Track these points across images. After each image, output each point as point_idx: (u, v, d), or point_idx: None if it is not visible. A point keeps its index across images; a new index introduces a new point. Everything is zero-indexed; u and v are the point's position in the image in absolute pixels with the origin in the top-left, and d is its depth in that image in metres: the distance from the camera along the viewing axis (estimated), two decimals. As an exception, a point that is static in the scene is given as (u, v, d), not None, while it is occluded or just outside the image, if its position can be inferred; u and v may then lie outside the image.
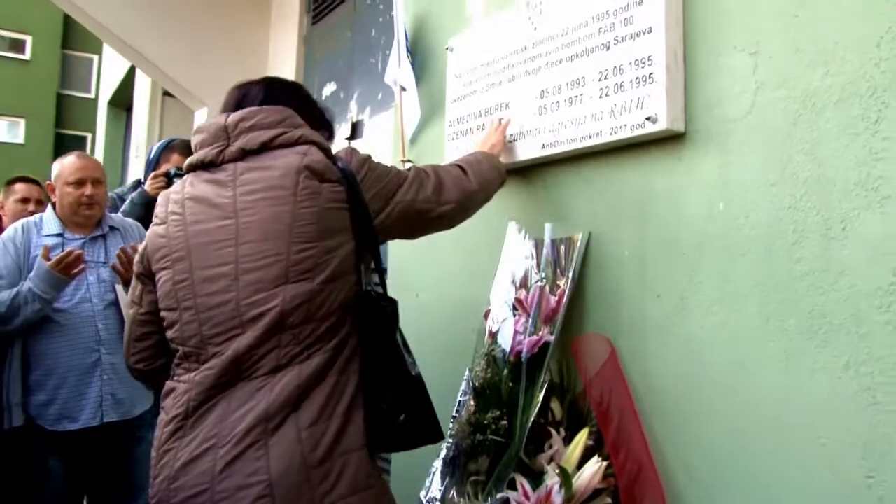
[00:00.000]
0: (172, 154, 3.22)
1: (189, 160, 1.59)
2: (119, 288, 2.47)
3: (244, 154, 1.50)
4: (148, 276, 1.59)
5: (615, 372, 1.70)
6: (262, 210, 1.44)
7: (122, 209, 3.01)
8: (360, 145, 4.10)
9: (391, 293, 2.78)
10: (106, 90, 9.87)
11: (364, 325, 1.49)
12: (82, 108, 17.45)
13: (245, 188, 1.47)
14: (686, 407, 1.54)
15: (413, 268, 2.66)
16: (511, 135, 2.02)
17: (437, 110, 2.52)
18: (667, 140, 1.62)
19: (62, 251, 2.39)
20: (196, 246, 1.49)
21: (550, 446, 1.73)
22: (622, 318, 1.71)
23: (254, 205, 1.45)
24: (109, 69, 9.59)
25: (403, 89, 2.70)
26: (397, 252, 2.82)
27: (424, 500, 1.88)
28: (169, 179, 3.01)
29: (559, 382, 1.83)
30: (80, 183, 2.53)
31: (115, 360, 2.46)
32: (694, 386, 1.53)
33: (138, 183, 3.30)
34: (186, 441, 1.41)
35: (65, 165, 2.55)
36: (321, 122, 1.68)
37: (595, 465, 1.60)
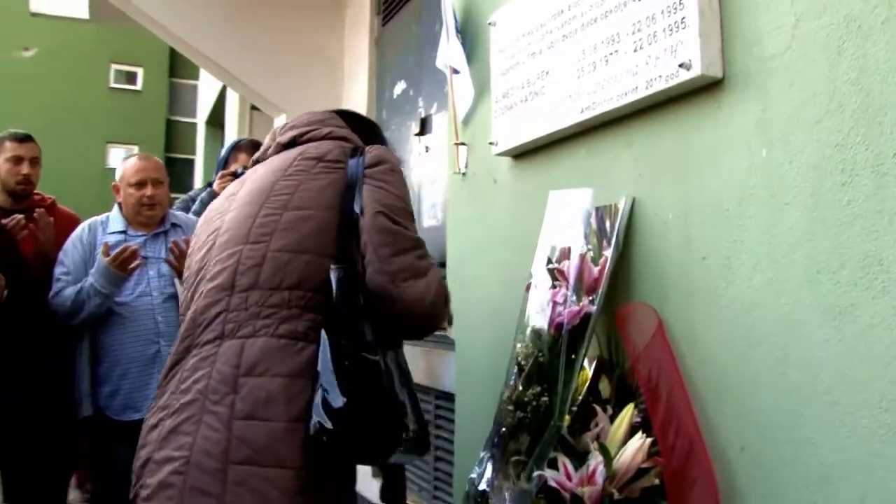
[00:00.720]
0: (240, 154, 3.34)
1: (252, 159, 1.70)
2: (178, 282, 2.57)
3: (280, 148, 1.57)
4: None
5: (663, 346, 1.60)
6: (253, 183, 1.50)
7: (192, 209, 3.15)
8: (430, 140, 4.12)
9: (451, 281, 2.79)
10: (203, 112, 10.43)
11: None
12: (189, 132, 18.53)
13: (254, 173, 1.55)
14: (736, 375, 1.43)
15: (470, 251, 2.63)
16: (553, 103, 1.97)
17: (485, 88, 2.48)
18: (704, 89, 1.52)
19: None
20: (204, 221, 1.59)
21: (597, 424, 1.65)
22: (668, 284, 1.61)
23: (251, 182, 1.52)
24: (205, 91, 10.13)
25: (456, 72, 2.68)
26: (456, 240, 2.80)
27: (475, 485, 1.84)
28: (236, 179, 3.13)
29: (608, 358, 1.75)
30: (140, 184, 2.64)
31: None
32: (743, 351, 1.41)
33: (210, 184, 3.44)
34: (154, 411, 1.40)
35: (127, 168, 2.68)
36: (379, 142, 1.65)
37: (637, 442, 1.51)
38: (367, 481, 4.24)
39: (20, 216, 2.74)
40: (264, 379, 1.27)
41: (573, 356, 1.60)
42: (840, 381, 1.23)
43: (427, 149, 4.22)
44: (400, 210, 1.44)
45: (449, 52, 2.64)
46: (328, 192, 1.42)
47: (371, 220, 1.39)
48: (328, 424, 1.22)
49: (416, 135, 4.32)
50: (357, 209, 1.39)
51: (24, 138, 2.96)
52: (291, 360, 1.28)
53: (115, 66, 21.00)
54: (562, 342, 1.62)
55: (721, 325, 1.47)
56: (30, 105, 18.09)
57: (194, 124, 13.67)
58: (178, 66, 20.16)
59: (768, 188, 1.38)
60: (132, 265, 2.42)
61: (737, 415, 1.43)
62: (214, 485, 1.22)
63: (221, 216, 1.50)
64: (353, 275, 1.34)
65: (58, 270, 2.55)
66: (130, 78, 21.37)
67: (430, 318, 1.43)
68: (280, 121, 5.53)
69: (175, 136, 21.08)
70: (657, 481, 1.50)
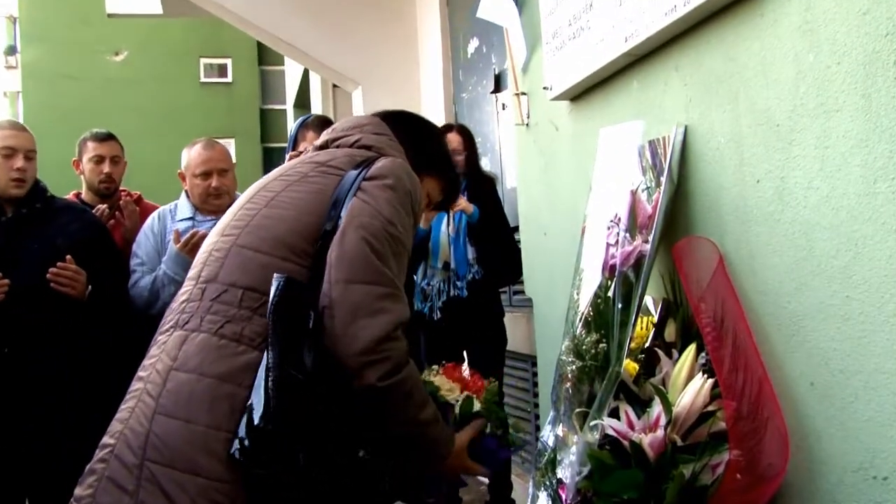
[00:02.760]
0: (308, 132, 3.40)
1: None
2: None
3: (315, 150, 1.51)
4: None
5: (724, 281, 1.57)
6: (260, 185, 1.46)
7: None
8: (504, 96, 4.11)
9: (523, 236, 2.81)
10: (291, 96, 10.80)
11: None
12: (282, 120, 19.20)
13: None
14: (799, 304, 1.39)
15: (540, 206, 2.64)
16: (599, 36, 1.94)
17: (538, 33, 2.47)
18: (745, -5, 1.47)
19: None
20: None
21: (661, 370, 1.64)
22: (725, 214, 1.58)
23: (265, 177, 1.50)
24: (292, 75, 10.48)
25: (508, 26, 2.69)
26: (526, 192, 2.82)
27: (545, 444, 1.88)
28: None
29: (672, 299, 1.73)
30: (206, 175, 2.72)
31: None
32: (805, 277, 1.37)
33: (280, 166, 3.58)
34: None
35: (192, 157, 2.78)
36: (431, 162, 1.54)
37: (697, 384, 1.49)
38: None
39: (104, 206, 2.96)
40: (193, 376, 1.22)
41: (628, 299, 1.59)
42: (907, 300, 1.17)
43: (504, 106, 4.22)
44: (377, 232, 1.27)
45: (495, 3, 2.63)
46: (314, 198, 1.34)
47: (340, 235, 1.27)
48: (246, 442, 1.16)
49: (492, 92, 4.34)
50: (339, 223, 1.29)
51: (105, 137, 3.16)
52: (224, 362, 1.22)
53: (204, 60, 22.00)
54: (615, 285, 1.61)
55: (780, 251, 1.43)
56: (123, 108, 19.23)
57: (285, 111, 14.18)
58: (265, 54, 20.89)
59: (818, 96, 1.32)
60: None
61: (803, 347, 1.38)
62: (129, 480, 1.18)
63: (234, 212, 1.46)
64: (309, 294, 1.23)
65: (133, 262, 2.72)
66: (221, 70, 22.34)
67: (361, 370, 1.20)
68: (357, 94, 5.68)
69: (269, 125, 21.90)
70: (723, 425, 1.48)
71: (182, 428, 1.18)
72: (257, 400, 1.16)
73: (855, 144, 1.25)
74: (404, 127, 1.53)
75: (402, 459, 1.32)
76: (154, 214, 2.82)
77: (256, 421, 1.14)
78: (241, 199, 1.45)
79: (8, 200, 2.53)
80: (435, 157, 1.55)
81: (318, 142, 1.51)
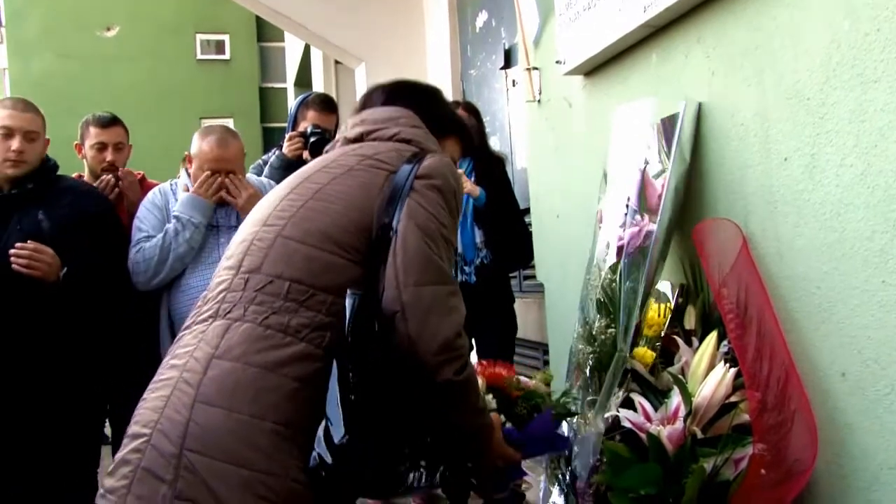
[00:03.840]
0: (308, 111, 3.36)
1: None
2: None
3: (346, 143, 1.52)
4: None
5: (749, 266, 1.53)
6: (302, 170, 1.48)
7: (264, 174, 3.25)
8: (515, 72, 4.06)
9: (534, 219, 2.77)
10: (291, 74, 10.74)
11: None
12: (282, 98, 19.14)
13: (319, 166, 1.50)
14: (830, 290, 1.35)
15: (552, 187, 2.61)
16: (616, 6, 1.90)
17: (550, 4, 2.42)
18: (774, -41, 1.42)
19: None
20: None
21: (680, 358, 1.61)
22: (749, 195, 1.54)
23: (304, 169, 1.49)
24: (292, 52, 10.43)
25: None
26: (537, 173, 2.78)
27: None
28: (306, 140, 3.14)
29: (691, 284, 1.70)
30: (216, 172, 2.61)
31: None
32: (836, 261, 1.33)
33: (279, 146, 3.53)
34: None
35: (203, 150, 2.68)
36: (445, 126, 1.57)
37: (719, 374, 1.46)
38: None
39: (109, 177, 2.93)
40: (237, 365, 1.24)
41: (636, 281, 1.56)
42: (947, 285, 1.14)
43: (514, 82, 4.17)
44: (434, 234, 1.33)
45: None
46: (362, 192, 1.36)
47: (401, 239, 1.30)
48: (328, 459, 1.20)
49: (502, 68, 4.28)
50: (394, 223, 1.32)
51: (108, 123, 3.08)
52: (270, 353, 1.25)
53: (200, 36, 21.87)
54: (623, 267, 1.58)
55: (810, 233, 1.39)
56: (116, 86, 19.12)
57: (286, 89, 14.10)
58: (265, 30, 20.78)
59: (853, 66, 1.28)
60: (216, 193, 2.50)
61: (835, 336, 1.35)
62: (167, 470, 1.20)
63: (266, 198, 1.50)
64: (371, 299, 1.28)
65: (137, 235, 2.68)
66: (218, 47, 22.22)
67: (440, 367, 1.26)
68: (361, 71, 5.63)
69: (269, 104, 21.83)
70: (747, 417, 1.45)
71: (224, 417, 1.20)
72: (334, 415, 1.19)
73: (893, 118, 1.21)
74: (415, 99, 1.55)
75: (461, 453, 1.38)
76: (155, 189, 2.78)
77: (337, 439, 1.18)
78: (283, 188, 1.45)
79: (5, 180, 2.52)
80: (446, 119, 1.59)
81: (351, 134, 1.52)
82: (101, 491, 1.27)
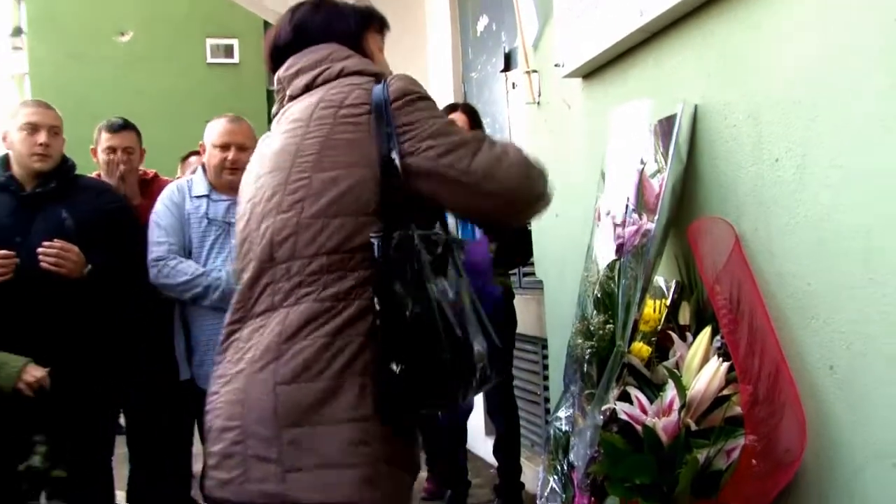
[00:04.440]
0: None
1: (272, 113, 1.67)
2: None
3: (293, 98, 1.53)
4: None
5: (741, 263, 1.54)
6: (278, 143, 1.47)
7: None
8: (516, 76, 4.06)
9: (534, 220, 2.77)
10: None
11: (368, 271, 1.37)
12: (289, 101, 19.10)
13: (280, 127, 1.51)
14: (820, 286, 1.36)
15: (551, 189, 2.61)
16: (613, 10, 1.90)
17: (549, 7, 2.43)
18: (766, -35, 1.42)
19: (206, 210, 2.66)
20: (242, 185, 1.59)
21: (675, 353, 1.62)
22: (741, 194, 1.55)
23: (276, 139, 1.49)
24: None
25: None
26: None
27: (557, 427, 1.87)
28: None
29: (686, 282, 1.70)
30: (224, 147, 2.69)
31: None
32: (826, 259, 1.34)
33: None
34: (215, 376, 1.48)
35: (214, 128, 2.73)
36: (358, 23, 1.59)
37: (712, 368, 1.47)
38: (480, 442, 4.36)
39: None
40: (306, 342, 1.34)
41: (634, 279, 1.57)
42: (932, 282, 1.14)
43: (514, 85, 4.17)
44: (441, 134, 1.39)
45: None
46: (357, 148, 1.39)
47: (419, 160, 1.37)
48: (391, 390, 1.32)
49: (502, 71, 4.29)
50: (396, 157, 1.37)
51: (118, 128, 3.11)
52: (331, 323, 1.34)
53: (210, 41, 21.89)
54: (620, 264, 1.59)
55: (800, 232, 1.40)
56: (130, 89, 19.16)
57: (292, 91, 14.11)
58: (272, 34, 20.79)
59: (841, 68, 1.28)
60: None
61: (824, 331, 1.36)
62: (271, 450, 1.32)
63: (256, 181, 1.50)
64: (400, 237, 1.34)
65: (156, 233, 2.68)
66: (228, 51, 22.24)
67: (538, 203, 1.50)
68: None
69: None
70: (739, 410, 1.46)
71: (307, 389, 1.32)
72: (387, 349, 1.32)
73: (879, 122, 1.21)
74: (322, 29, 1.55)
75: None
76: (172, 185, 2.81)
77: (397, 371, 1.30)
78: (274, 167, 1.45)
79: (31, 177, 2.55)
80: (352, 24, 1.58)
81: (298, 87, 1.50)
82: (212, 482, 1.40)
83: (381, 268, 1.33)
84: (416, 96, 1.41)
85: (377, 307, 1.33)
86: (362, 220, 1.36)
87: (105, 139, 3.07)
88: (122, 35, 20.11)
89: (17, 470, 2.32)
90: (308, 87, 1.49)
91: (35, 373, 2.30)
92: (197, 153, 3.85)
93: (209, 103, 21.16)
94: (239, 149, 2.69)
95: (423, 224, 1.40)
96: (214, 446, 1.40)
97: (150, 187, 3.18)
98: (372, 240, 1.34)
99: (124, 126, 3.12)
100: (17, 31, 23.12)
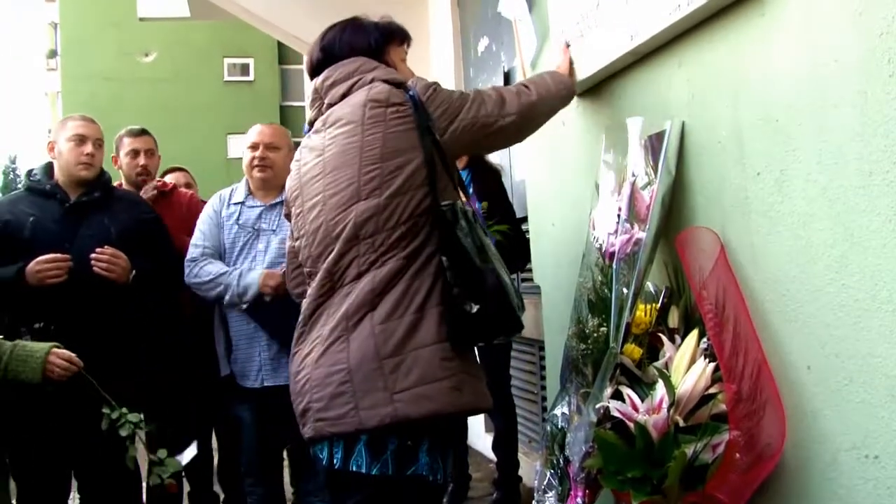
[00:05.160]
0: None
1: (308, 119, 1.88)
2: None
3: (331, 106, 1.73)
4: (288, 216, 1.89)
5: (726, 270, 1.56)
6: (339, 143, 1.67)
7: None
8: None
9: (531, 226, 2.81)
10: (309, 93, 10.75)
11: (437, 231, 1.62)
12: (301, 116, 19.21)
13: (329, 129, 1.71)
14: (798, 291, 1.38)
15: (548, 198, 2.64)
16: (606, 34, 1.93)
17: (546, 30, 2.46)
18: (746, -5, 1.46)
19: (238, 216, 2.73)
20: (304, 183, 1.77)
21: (664, 354, 1.64)
22: (727, 206, 1.57)
23: (333, 140, 1.68)
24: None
25: (518, 20, 2.67)
26: (535, 186, 2.81)
27: (553, 424, 1.89)
28: None
29: (675, 287, 1.73)
30: (254, 147, 2.76)
31: None
32: (804, 266, 1.36)
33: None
34: (304, 342, 1.70)
35: (250, 133, 2.82)
36: (381, 38, 1.81)
37: (699, 368, 1.49)
38: (480, 438, 4.37)
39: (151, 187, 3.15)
40: (393, 291, 1.57)
41: (626, 284, 1.59)
42: (900, 288, 1.17)
43: (513, 103, 4.20)
44: (460, 102, 1.71)
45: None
46: (409, 136, 1.63)
47: (459, 128, 1.69)
48: (467, 326, 1.57)
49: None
50: (438, 137, 1.66)
51: (139, 133, 3.24)
52: (410, 270, 1.58)
53: (227, 60, 22.09)
54: (613, 271, 1.61)
55: (780, 241, 1.42)
56: (153, 105, 19.41)
57: (304, 108, 14.19)
58: (285, 53, 20.91)
59: (816, 91, 1.31)
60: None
61: (802, 333, 1.38)
62: (377, 380, 1.53)
63: (320, 178, 1.70)
64: (456, 205, 1.62)
65: (196, 237, 2.77)
66: (244, 69, 22.41)
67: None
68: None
69: (289, 121, 21.92)
70: (724, 407, 1.48)
71: (398, 323, 1.55)
72: (460, 295, 1.56)
73: (851, 138, 1.24)
74: (353, 46, 1.78)
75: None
76: (217, 194, 2.88)
77: (473, 311, 1.55)
78: (336, 165, 1.65)
79: (74, 185, 2.62)
80: (377, 40, 1.80)
81: (336, 94, 1.72)
82: (322, 423, 1.60)
83: (450, 227, 1.58)
84: (434, 88, 1.69)
85: (445, 261, 1.58)
86: (423, 191, 1.61)
87: (128, 143, 3.16)
88: (146, 56, 20.27)
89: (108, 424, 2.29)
90: (345, 96, 1.69)
91: (61, 355, 2.23)
92: (176, 170, 3.86)
93: (226, 118, 21.37)
94: (267, 147, 2.75)
95: (450, 196, 1.67)
96: (319, 392, 1.60)
97: (169, 198, 3.23)
98: (444, 208, 1.60)
99: (143, 131, 3.23)
100: (52, 54, 23.32)
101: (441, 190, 1.65)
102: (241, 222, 2.74)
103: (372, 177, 1.61)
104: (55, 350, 2.23)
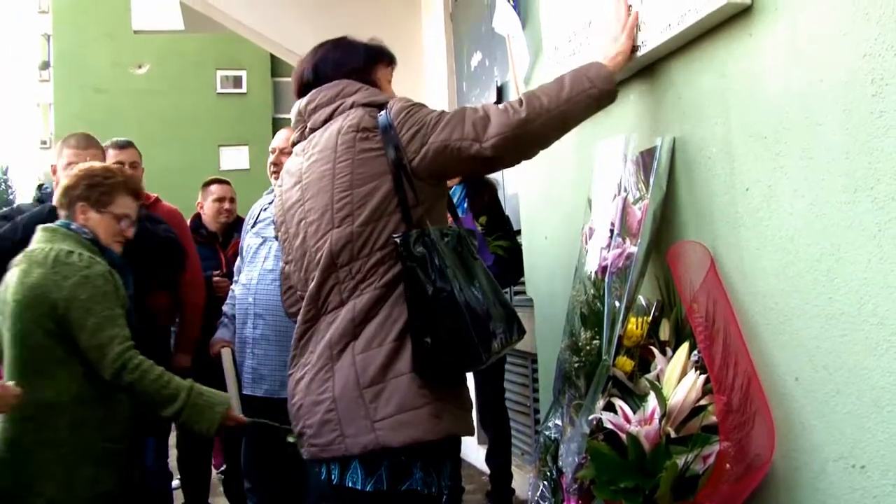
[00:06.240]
0: None
1: (291, 141, 1.88)
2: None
3: (314, 130, 1.74)
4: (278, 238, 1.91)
5: (716, 283, 1.59)
6: (314, 171, 1.68)
7: None
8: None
9: (524, 239, 2.84)
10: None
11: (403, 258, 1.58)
12: (294, 129, 19.21)
13: (308, 154, 1.72)
14: (786, 305, 1.41)
15: (541, 211, 2.67)
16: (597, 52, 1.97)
17: (539, 46, 2.50)
18: (734, 18, 1.50)
19: (254, 222, 2.89)
20: (286, 209, 1.79)
21: (655, 366, 1.67)
22: (716, 220, 1.60)
23: (310, 168, 1.70)
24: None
25: (512, 36, 2.72)
26: (527, 199, 2.84)
27: (546, 435, 1.90)
28: None
29: (666, 300, 1.75)
30: (271, 151, 2.90)
31: (266, 333, 2.70)
32: (791, 280, 1.40)
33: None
34: (297, 367, 1.72)
35: (274, 138, 2.97)
36: (368, 59, 1.80)
37: (690, 380, 1.52)
38: (473, 450, 4.38)
39: None
40: (372, 321, 1.58)
41: (618, 298, 1.62)
42: (885, 301, 1.20)
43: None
44: (433, 123, 1.61)
45: (502, 15, 2.67)
46: (378, 161, 1.61)
47: (429, 152, 1.60)
48: (425, 358, 1.55)
49: (495, 104, 4.36)
50: (406, 164, 1.60)
51: (125, 145, 3.25)
52: (389, 300, 1.58)
53: (220, 73, 22.11)
54: (605, 285, 1.64)
55: (769, 255, 1.45)
56: (146, 117, 19.41)
57: (296, 120, 14.22)
58: (278, 66, 20.95)
59: (803, 110, 1.34)
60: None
61: (790, 346, 1.41)
62: (359, 407, 1.56)
63: (300, 205, 1.71)
64: (418, 233, 1.57)
65: (242, 252, 2.98)
66: (236, 82, 22.43)
67: (510, 122, 1.63)
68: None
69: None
70: (714, 419, 1.50)
71: (377, 353, 1.56)
72: (417, 328, 1.55)
73: (837, 156, 1.27)
74: (339, 68, 1.76)
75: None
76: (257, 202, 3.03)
77: (428, 343, 1.53)
78: (314, 193, 1.65)
79: None
80: (363, 62, 1.79)
81: (318, 119, 1.71)
82: (315, 448, 1.63)
83: (405, 261, 1.55)
84: (408, 110, 1.63)
85: (406, 292, 1.56)
86: (396, 217, 1.59)
87: (113, 155, 3.18)
88: (140, 67, 20.27)
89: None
90: (327, 120, 1.70)
91: (235, 417, 2.21)
92: (217, 181, 3.93)
93: (219, 129, 21.39)
94: (282, 153, 2.83)
95: (437, 219, 1.65)
96: (310, 419, 1.63)
97: (154, 209, 3.25)
98: (394, 238, 1.57)
99: (128, 143, 3.26)
100: (45, 65, 23.29)
101: (422, 216, 1.61)
102: (255, 229, 2.83)
103: (343, 204, 1.61)
104: (231, 410, 2.20)
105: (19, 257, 2.10)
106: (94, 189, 2.21)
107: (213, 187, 3.91)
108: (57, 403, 2.00)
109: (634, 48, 1.74)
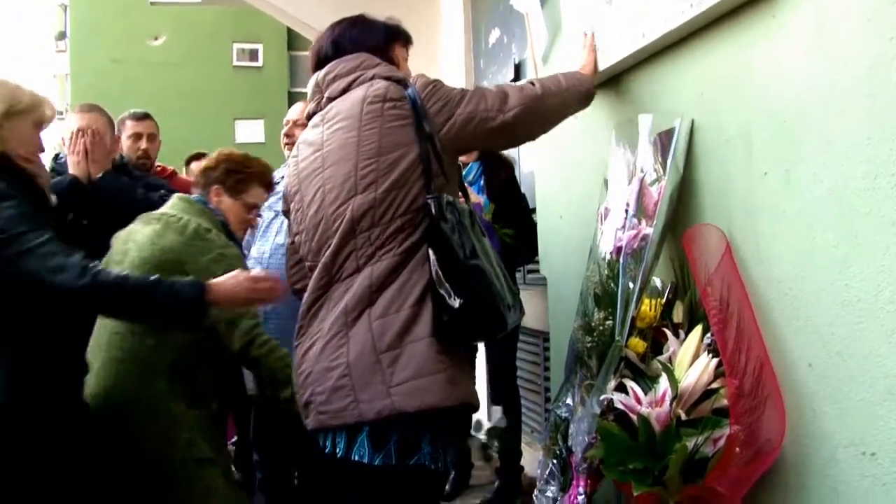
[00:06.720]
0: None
1: (306, 113, 1.90)
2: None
3: (331, 100, 1.75)
4: (287, 212, 1.91)
5: (731, 267, 1.59)
6: (337, 139, 1.69)
7: None
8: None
9: (539, 218, 2.84)
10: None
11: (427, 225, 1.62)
12: (309, 103, 19.18)
13: (328, 124, 1.73)
14: (801, 290, 1.41)
15: (556, 191, 2.66)
16: (616, 32, 1.95)
17: (557, 25, 2.47)
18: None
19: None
20: (303, 178, 1.78)
21: (668, 349, 1.67)
22: (733, 204, 1.59)
23: (332, 136, 1.71)
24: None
25: (530, 13, 2.69)
26: (543, 178, 2.83)
27: (557, 414, 1.92)
28: None
29: (680, 283, 1.75)
30: (285, 123, 2.88)
31: (279, 307, 2.69)
32: (806, 266, 1.39)
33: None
34: (305, 337, 1.72)
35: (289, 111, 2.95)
36: (387, 37, 1.82)
37: (702, 363, 1.52)
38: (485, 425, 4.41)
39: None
40: (390, 287, 1.59)
41: (632, 278, 1.62)
42: (902, 290, 1.19)
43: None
44: (458, 97, 1.69)
45: (522, -8, 2.64)
46: (405, 131, 1.64)
47: (457, 123, 1.67)
48: (451, 320, 1.55)
49: (512, 81, 4.33)
50: (435, 135, 1.65)
51: (142, 116, 3.25)
52: (407, 267, 1.59)
53: (236, 46, 22.05)
54: (620, 266, 1.64)
55: (785, 240, 1.44)
56: (162, 90, 19.41)
57: (312, 94, 14.19)
58: (295, 39, 20.88)
59: (824, 94, 1.33)
60: None
61: (804, 331, 1.41)
62: (376, 372, 1.55)
63: (319, 173, 1.72)
64: (446, 199, 1.61)
65: None
66: (252, 55, 22.38)
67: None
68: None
69: (296, 107, 21.96)
70: (725, 402, 1.50)
71: (395, 318, 1.57)
72: (446, 289, 1.55)
73: (858, 142, 1.26)
74: (359, 42, 1.79)
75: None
76: None
77: (456, 304, 1.54)
78: (335, 160, 1.67)
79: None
80: (382, 40, 1.82)
81: (336, 88, 1.73)
82: (325, 415, 1.61)
83: (434, 219, 1.58)
84: (433, 84, 1.69)
85: (431, 253, 1.57)
86: (419, 185, 1.61)
87: (130, 126, 3.17)
88: (156, 39, 20.25)
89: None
90: (345, 91, 1.71)
91: None
92: (197, 157, 3.90)
93: (234, 103, 21.38)
94: (295, 125, 2.85)
95: (451, 194, 1.67)
96: (320, 385, 1.62)
97: (172, 183, 3.26)
98: (428, 200, 1.60)
99: (146, 115, 3.25)
100: (61, 35, 23.32)
101: (439, 187, 1.64)
102: (267, 203, 2.83)
103: (368, 171, 1.62)
104: None
105: (151, 215, 2.15)
106: (232, 175, 2.26)
107: (194, 165, 3.90)
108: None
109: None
